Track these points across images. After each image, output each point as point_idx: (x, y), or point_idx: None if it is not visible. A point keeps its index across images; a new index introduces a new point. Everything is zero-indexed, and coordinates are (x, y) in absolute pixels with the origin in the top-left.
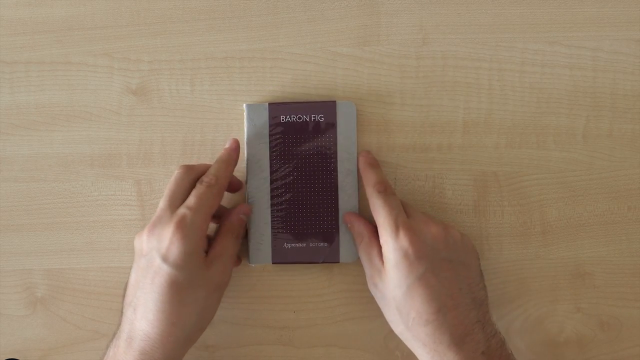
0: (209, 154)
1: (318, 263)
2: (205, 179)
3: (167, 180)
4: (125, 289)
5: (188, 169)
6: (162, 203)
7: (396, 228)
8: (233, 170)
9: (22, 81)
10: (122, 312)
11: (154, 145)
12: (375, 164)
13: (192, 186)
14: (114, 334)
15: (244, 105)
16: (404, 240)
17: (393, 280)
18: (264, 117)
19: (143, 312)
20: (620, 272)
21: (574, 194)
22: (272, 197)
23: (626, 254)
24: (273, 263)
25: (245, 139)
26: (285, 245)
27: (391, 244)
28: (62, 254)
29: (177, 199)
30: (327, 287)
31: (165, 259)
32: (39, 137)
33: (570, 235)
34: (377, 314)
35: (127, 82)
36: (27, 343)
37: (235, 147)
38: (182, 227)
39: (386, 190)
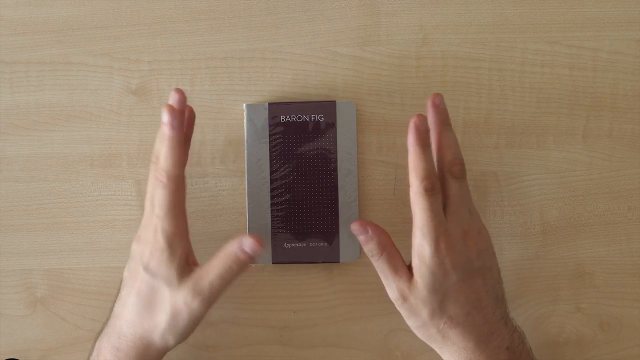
0: (209, 154)
1: (318, 263)
2: (157, 177)
3: None
4: (120, 284)
5: (155, 164)
6: (145, 207)
7: (437, 237)
8: (184, 149)
9: (22, 81)
10: (112, 306)
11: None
12: (424, 146)
13: None
14: (103, 325)
15: (244, 105)
16: (443, 250)
17: (428, 286)
18: (263, 117)
19: (121, 310)
20: (620, 272)
21: (574, 194)
22: (272, 197)
23: (626, 254)
24: (273, 263)
25: (245, 139)
26: (285, 245)
27: (429, 252)
28: (62, 254)
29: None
30: (327, 287)
31: (145, 267)
32: (39, 137)
33: (570, 235)
34: (377, 314)
35: (127, 82)
36: (27, 343)
37: (176, 111)
38: (155, 236)
39: (433, 190)
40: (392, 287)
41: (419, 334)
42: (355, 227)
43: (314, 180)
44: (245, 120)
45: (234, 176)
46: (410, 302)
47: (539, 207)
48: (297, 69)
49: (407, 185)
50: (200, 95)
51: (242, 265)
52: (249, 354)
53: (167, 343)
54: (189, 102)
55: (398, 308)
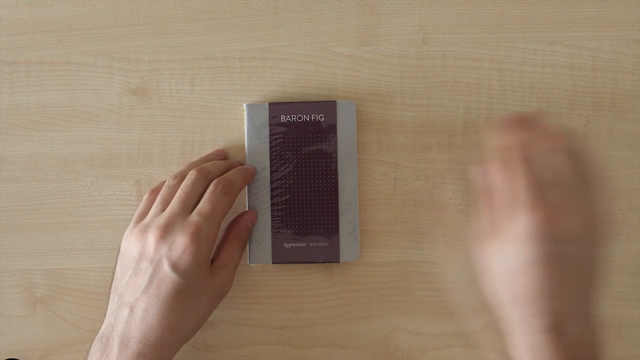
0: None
1: (318, 263)
2: (222, 182)
3: None
4: (113, 287)
5: (205, 174)
6: (174, 206)
7: (534, 203)
8: (250, 181)
9: (22, 81)
10: (113, 310)
11: (154, 145)
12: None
13: (205, 190)
14: (100, 334)
15: (244, 105)
16: (539, 219)
17: (512, 253)
18: (264, 117)
19: (143, 316)
20: (620, 272)
21: None
22: (272, 197)
23: (626, 254)
24: (273, 263)
25: (245, 139)
26: (285, 245)
27: (524, 219)
28: (62, 254)
29: (191, 204)
30: (327, 287)
31: (175, 267)
32: (39, 137)
33: None
34: (377, 314)
35: (127, 82)
36: (27, 343)
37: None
38: (197, 238)
39: (525, 149)
40: (485, 225)
41: (490, 292)
42: (474, 171)
43: (314, 180)
44: (245, 120)
45: None
46: (491, 251)
47: None
48: (297, 69)
49: (407, 185)
50: (200, 95)
51: (247, 241)
52: (249, 354)
53: (188, 338)
54: (189, 102)
55: (478, 253)
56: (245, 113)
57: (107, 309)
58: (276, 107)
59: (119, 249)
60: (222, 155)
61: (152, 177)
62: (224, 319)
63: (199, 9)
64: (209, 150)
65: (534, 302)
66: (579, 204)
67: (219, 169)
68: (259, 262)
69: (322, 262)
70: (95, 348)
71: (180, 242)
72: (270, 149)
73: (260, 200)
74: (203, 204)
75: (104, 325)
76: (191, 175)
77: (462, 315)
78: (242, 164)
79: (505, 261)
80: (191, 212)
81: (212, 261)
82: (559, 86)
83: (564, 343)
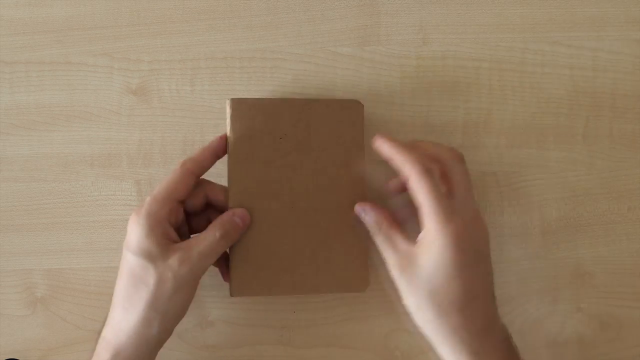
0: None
1: None
2: (184, 160)
3: None
4: None
5: (183, 162)
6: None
7: (448, 215)
8: (214, 160)
9: (22, 81)
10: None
11: (154, 145)
12: (399, 142)
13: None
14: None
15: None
16: (456, 229)
17: (433, 265)
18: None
19: (115, 298)
20: (620, 272)
21: (574, 194)
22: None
23: (626, 254)
24: None
25: None
26: None
27: (441, 230)
28: (62, 254)
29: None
30: None
31: (126, 245)
32: (39, 137)
33: (570, 235)
34: (377, 314)
35: (127, 82)
36: (27, 343)
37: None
38: (138, 213)
39: (432, 171)
40: (390, 261)
41: (419, 319)
42: (356, 208)
43: None
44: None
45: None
46: (410, 275)
47: (539, 207)
48: (297, 69)
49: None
50: (200, 95)
51: (233, 235)
52: (249, 354)
53: (152, 325)
54: (189, 102)
55: (397, 279)
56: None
57: (109, 308)
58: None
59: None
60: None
61: (152, 177)
62: (224, 319)
63: (199, 9)
64: None
65: (463, 310)
66: (480, 212)
67: (197, 153)
68: None
69: None
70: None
71: (130, 221)
72: None
73: None
74: (158, 184)
75: None
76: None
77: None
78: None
79: (427, 278)
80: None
81: (179, 243)
82: (559, 86)
83: (494, 341)
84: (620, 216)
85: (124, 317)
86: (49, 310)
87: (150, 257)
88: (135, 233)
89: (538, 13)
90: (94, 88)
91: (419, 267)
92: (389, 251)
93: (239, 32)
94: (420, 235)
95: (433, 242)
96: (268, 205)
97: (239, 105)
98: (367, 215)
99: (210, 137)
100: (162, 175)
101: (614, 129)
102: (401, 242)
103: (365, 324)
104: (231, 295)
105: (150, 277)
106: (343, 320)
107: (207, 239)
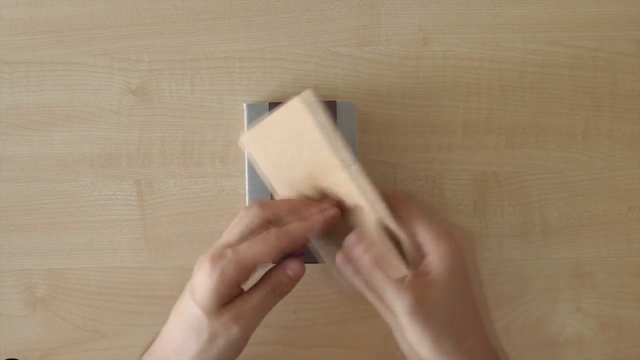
0: (208, 154)
1: (318, 263)
2: (276, 232)
3: (167, 181)
4: None
5: (264, 208)
6: (223, 235)
7: (449, 233)
8: (307, 241)
9: (22, 81)
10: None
11: (154, 145)
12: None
13: (259, 225)
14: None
15: (244, 105)
16: (457, 243)
17: (450, 283)
18: (264, 117)
19: (173, 335)
20: (620, 272)
21: (574, 194)
22: (272, 197)
23: (626, 254)
24: (272, 263)
25: None
26: None
27: (449, 249)
28: (62, 254)
29: (233, 236)
30: (327, 287)
31: (191, 290)
32: (39, 137)
33: (570, 235)
34: (377, 314)
35: (127, 82)
36: (27, 343)
37: (332, 217)
38: (214, 266)
39: (414, 198)
40: (401, 296)
41: (432, 355)
42: (338, 259)
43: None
44: (245, 121)
45: (234, 176)
46: (425, 308)
47: (539, 207)
48: (297, 69)
49: (407, 185)
50: (200, 95)
51: (285, 290)
52: (249, 354)
53: None
54: (189, 102)
55: (408, 326)
56: (245, 113)
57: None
58: (277, 108)
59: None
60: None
61: (152, 177)
62: None
63: (199, 9)
64: (208, 150)
65: (480, 328)
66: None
67: (281, 208)
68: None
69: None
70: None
71: (201, 267)
72: None
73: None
74: (243, 243)
75: None
76: (250, 207)
77: None
78: (325, 211)
79: (446, 303)
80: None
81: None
82: (559, 86)
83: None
84: (620, 216)
85: (171, 356)
86: (49, 310)
87: (206, 311)
88: (203, 285)
89: (538, 13)
90: (94, 88)
91: (435, 294)
92: (395, 291)
93: (239, 32)
94: (436, 259)
95: (444, 264)
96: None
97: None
98: (363, 255)
99: (210, 136)
100: (162, 175)
101: (614, 129)
102: (398, 284)
103: (365, 324)
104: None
105: (203, 331)
106: (343, 320)
107: (259, 295)
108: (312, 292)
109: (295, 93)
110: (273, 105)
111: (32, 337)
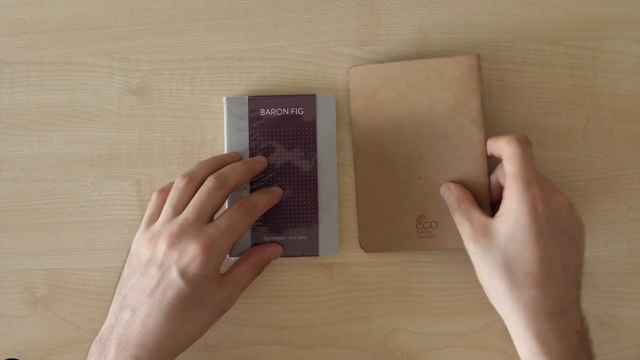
0: (208, 154)
1: (297, 257)
2: (246, 203)
3: (167, 181)
4: (118, 288)
5: (223, 182)
6: (189, 214)
7: (530, 181)
8: (274, 204)
9: (22, 81)
10: (115, 312)
11: (154, 145)
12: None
13: (222, 199)
14: (100, 335)
15: (224, 98)
16: (535, 195)
17: (509, 232)
18: (243, 110)
19: (144, 320)
20: (620, 272)
21: (574, 194)
22: (251, 190)
23: (626, 254)
24: None
25: (225, 132)
26: (265, 238)
27: (521, 196)
28: (62, 254)
29: (206, 213)
30: (327, 287)
31: (183, 274)
32: (39, 137)
33: None
34: (377, 314)
35: (127, 82)
36: (27, 343)
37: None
38: (209, 249)
39: (526, 140)
40: (465, 234)
41: (491, 292)
42: (442, 188)
43: (294, 174)
44: (225, 114)
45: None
46: (485, 246)
47: None
48: (297, 69)
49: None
50: (200, 95)
51: (264, 267)
52: (249, 354)
53: (187, 346)
54: (189, 102)
55: (470, 252)
56: (224, 106)
57: (109, 309)
58: (255, 101)
59: (129, 250)
60: (236, 157)
61: (152, 177)
62: (224, 319)
63: (199, 9)
64: (208, 150)
65: (538, 285)
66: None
67: (237, 175)
68: (239, 255)
69: (300, 256)
70: (94, 349)
71: (192, 250)
72: (249, 143)
73: (240, 194)
74: (223, 219)
75: (104, 326)
76: (208, 183)
77: (462, 314)
78: (262, 161)
79: (503, 246)
80: (205, 221)
81: (224, 275)
82: (559, 86)
83: (565, 329)
84: (620, 216)
85: (169, 342)
86: (49, 310)
87: (206, 290)
88: (200, 267)
89: (538, 13)
90: (94, 88)
91: (494, 237)
92: (465, 224)
93: (239, 32)
94: (499, 211)
95: (510, 209)
96: (387, 170)
97: (356, 72)
98: (451, 193)
99: (210, 136)
100: (162, 175)
101: (614, 129)
102: (478, 216)
103: (365, 324)
104: (365, 250)
105: (206, 310)
106: (343, 320)
107: (247, 275)
108: (312, 292)
109: (295, 93)
110: (253, 98)
111: (32, 337)
